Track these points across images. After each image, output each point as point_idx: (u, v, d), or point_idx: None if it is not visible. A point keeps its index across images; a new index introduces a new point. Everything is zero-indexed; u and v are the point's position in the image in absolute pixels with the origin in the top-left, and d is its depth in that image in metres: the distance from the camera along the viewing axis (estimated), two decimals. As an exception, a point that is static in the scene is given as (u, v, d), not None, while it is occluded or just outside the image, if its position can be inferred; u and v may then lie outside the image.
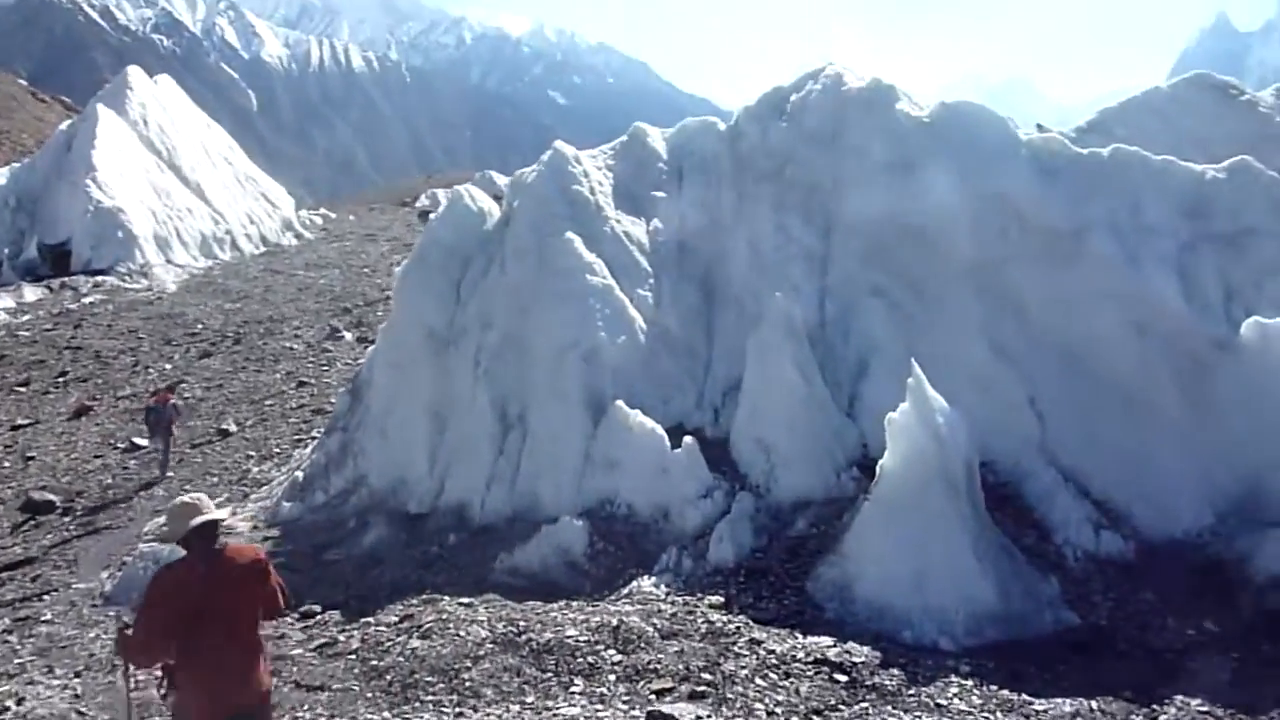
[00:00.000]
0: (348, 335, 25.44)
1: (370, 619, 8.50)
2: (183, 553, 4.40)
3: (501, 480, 10.86)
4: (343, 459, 13.05)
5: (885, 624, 7.54)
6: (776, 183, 12.30)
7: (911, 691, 6.38)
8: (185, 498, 4.50)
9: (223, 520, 4.55)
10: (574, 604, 8.41)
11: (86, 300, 33.69)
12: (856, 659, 6.82)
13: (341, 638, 8.00)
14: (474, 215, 13.46)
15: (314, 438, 17.01)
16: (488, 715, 6.19)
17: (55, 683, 7.91)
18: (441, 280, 12.86)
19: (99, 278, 36.13)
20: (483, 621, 7.69)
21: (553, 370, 11.04)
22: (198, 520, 4.33)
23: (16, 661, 8.80)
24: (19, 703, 7.62)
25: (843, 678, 6.57)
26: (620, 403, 10.51)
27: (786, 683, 6.49)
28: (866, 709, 6.16)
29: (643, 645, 7.05)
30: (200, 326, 28.30)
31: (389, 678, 6.97)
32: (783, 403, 10.21)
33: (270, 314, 28.99)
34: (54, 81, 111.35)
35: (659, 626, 7.42)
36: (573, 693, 6.41)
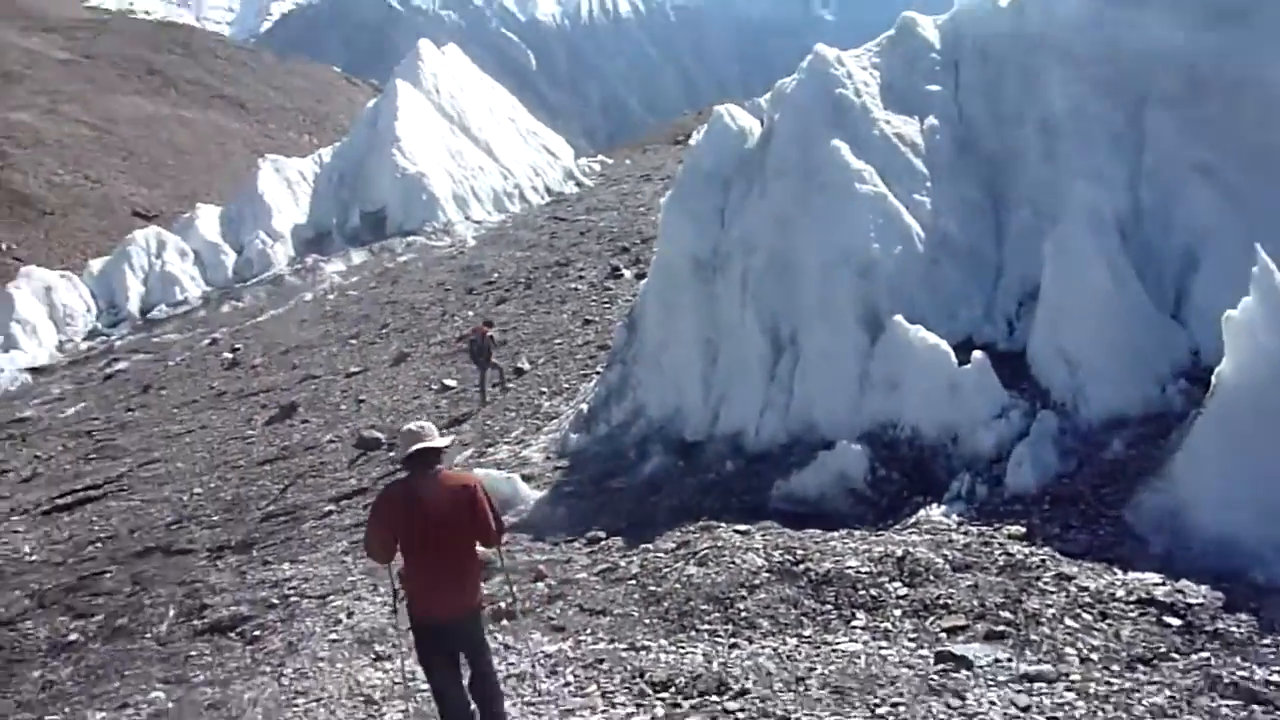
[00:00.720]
0: (627, 273, 26.04)
1: (649, 545, 8.57)
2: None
3: (775, 406, 10.52)
4: (622, 391, 13.31)
5: (1227, 561, 6.40)
6: (1071, 59, 10.71)
7: (1267, 642, 5.32)
8: (411, 425, 4.91)
9: (441, 448, 4.91)
10: (855, 533, 7.96)
11: (401, 259, 37.25)
12: (1192, 600, 5.83)
13: (622, 563, 8.12)
14: (734, 135, 13.01)
15: (598, 372, 17.65)
16: (763, 647, 5.96)
17: (378, 600, 8.69)
18: (704, 206, 12.59)
19: (410, 238, 39.74)
20: (759, 549, 7.46)
21: (823, 288, 10.46)
22: (416, 446, 4.78)
23: (349, 579, 9.81)
24: (349, 616, 8.46)
25: (1175, 621, 5.63)
26: (899, 318, 9.74)
27: (1103, 625, 5.67)
28: (1208, 659, 5.22)
29: (931, 578, 6.48)
30: (496, 275, 30.23)
31: (666, 604, 6.95)
32: (1091, 308, 8.96)
33: (556, 259, 30.34)
34: (363, 66, 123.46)
35: (950, 558, 6.79)
36: (854, 627, 6.01)
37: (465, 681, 5.01)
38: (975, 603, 6.04)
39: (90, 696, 8.12)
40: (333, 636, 7.92)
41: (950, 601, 6.12)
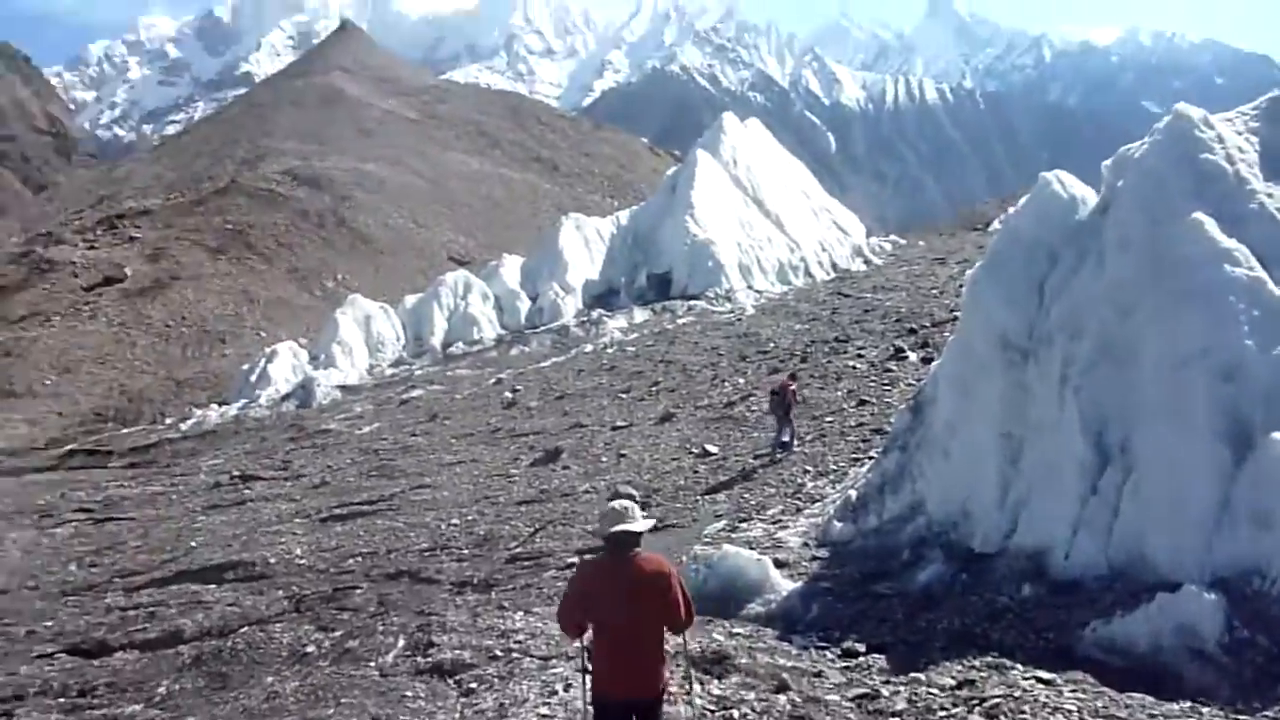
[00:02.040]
0: (912, 355, 24.24)
1: (920, 675, 7.04)
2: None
3: (1094, 525, 8.58)
4: (899, 480, 11.76)
5: None
6: None
7: None
8: (616, 504, 4.96)
9: (640, 532, 4.88)
10: (1204, 711, 5.99)
11: (681, 321, 37.55)
12: None
13: (885, 691, 6.68)
14: (1063, 203, 11.24)
15: (871, 457, 16.09)
16: None
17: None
18: (1020, 281, 10.90)
19: (691, 302, 40.19)
20: (1070, 711, 5.76)
21: (1171, 389, 8.46)
22: (617, 528, 4.80)
23: (575, 644, 9.02)
24: (565, 689, 7.67)
25: None
26: (1278, 435, 7.59)
27: None
28: None
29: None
30: (771, 345, 29.42)
31: (940, 762, 5.46)
32: None
33: (835, 334, 29.07)
34: (670, 140, 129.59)
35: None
36: None
37: None
38: None
39: (303, 720, 7.85)
40: (544, 711, 7.11)
41: None
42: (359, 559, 15.45)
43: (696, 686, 7.10)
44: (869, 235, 54.29)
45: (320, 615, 12.28)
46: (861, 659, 7.78)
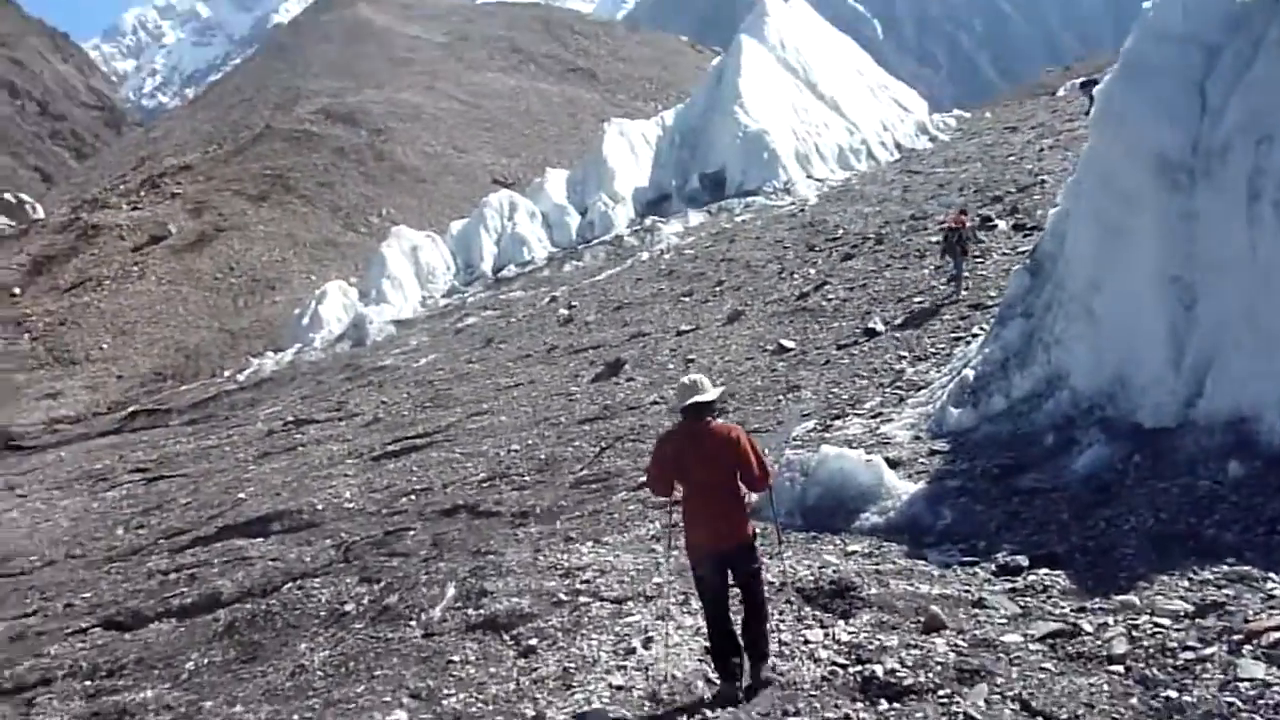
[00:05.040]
0: (1001, 223, 21.76)
1: (1131, 597, 5.14)
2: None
3: (1324, 378, 6.50)
4: (1027, 352, 9.71)
5: None
6: None
7: None
8: (686, 379, 5.44)
9: (713, 400, 5.29)
10: None
11: (739, 219, 35.28)
12: None
13: (1086, 626, 4.81)
14: (1220, -15, 8.80)
15: (975, 335, 14.01)
16: None
17: (686, 624, 6.15)
18: (1173, 87, 8.57)
19: (749, 199, 37.78)
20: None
21: None
22: (691, 399, 5.25)
23: (654, 580, 7.43)
24: (645, 644, 6.05)
25: None
26: None
27: None
28: None
29: None
30: (841, 232, 27.12)
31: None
32: None
33: (911, 213, 26.60)
34: (710, 36, 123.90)
35: None
36: None
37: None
38: None
39: (327, 704, 6.36)
40: (617, 680, 5.44)
41: None
42: (412, 497, 14.05)
43: (819, 630, 5.40)
44: (931, 111, 50.65)
45: (367, 564, 10.89)
46: (1031, 578, 5.89)
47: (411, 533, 12.12)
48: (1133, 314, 8.30)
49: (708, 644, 5.31)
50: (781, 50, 46.38)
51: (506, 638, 7.08)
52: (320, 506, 14.32)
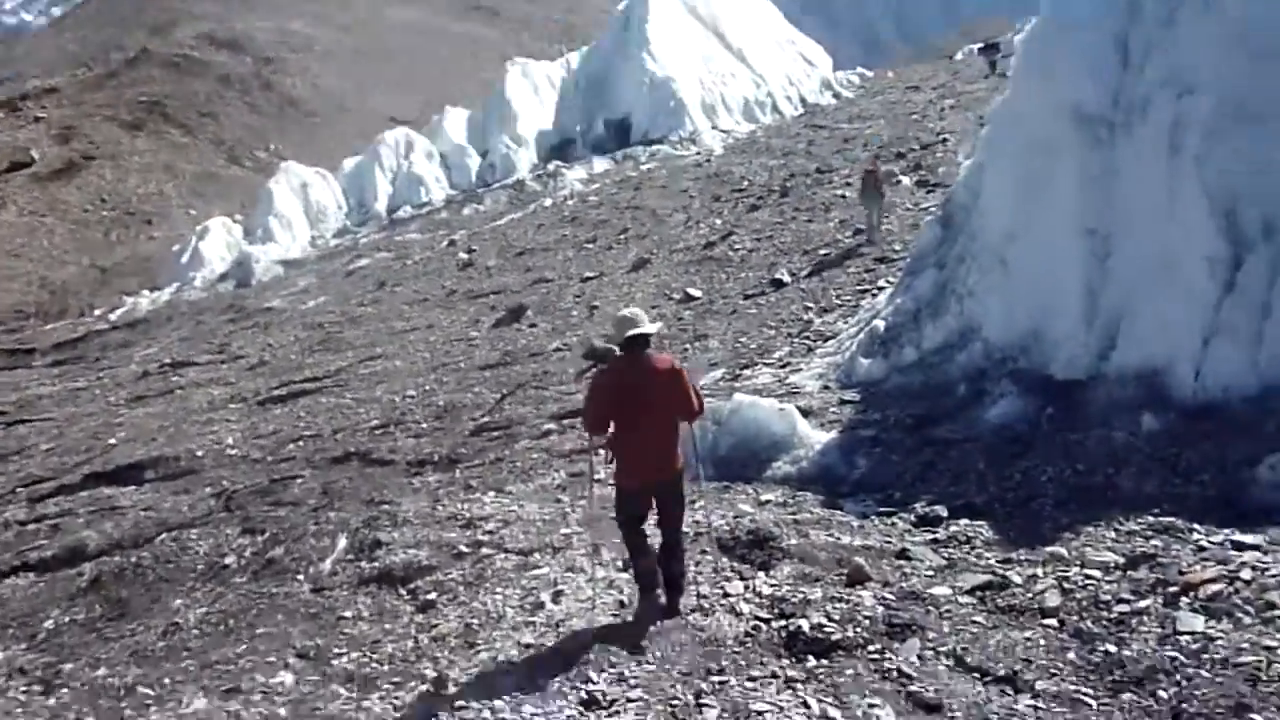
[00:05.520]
0: (905, 179, 21.88)
1: (1058, 549, 5.03)
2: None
3: (1234, 331, 6.53)
4: (939, 303, 9.65)
5: None
6: None
7: None
8: (625, 311, 5.36)
9: (652, 333, 5.22)
10: None
11: (645, 167, 34.76)
12: None
13: (1015, 578, 4.67)
14: (1143, -62, 8.73)
15: (881, 287, 14.02)
16: None
17: (599, 577, 5.82)
18: (1095, 39, 8.49)
19: (655, 147, 37.27)
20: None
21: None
22: (631, 331, 5.14)
23: (561, 531, 7.07)
24: (553, 599, 5.68)
25: None
26: None
27: None
28: None
29: None
30: (746, 183, 26.97)
31: (1155, 691, 3.45)
32: None
33: (816, 166, 26.60)
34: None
35: None
36: None
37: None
38: None
39: (203, 666, 5.80)
40: (526, 637, 5.07)
41: None
42: (300, 443, 13.30)
43: (739, 583, 5.17)
44: (836, 68, 50.89)
45: (251, 514, 10.18)
46: (953, 528, 5.77)
47: (300, 481, 11.43)
48: (1048, 266, 8.26)
49: (629, 578, 5.30)
50: (690, -2, 45.69)
51: (403, 592, 6.63)
52: (200, 453, 13.43)
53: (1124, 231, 7.68)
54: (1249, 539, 4.48)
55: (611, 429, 5.21)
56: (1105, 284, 7.70)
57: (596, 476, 6.10)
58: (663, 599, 5.15)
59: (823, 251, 17.63)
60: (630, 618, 5.10)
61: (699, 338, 14.38)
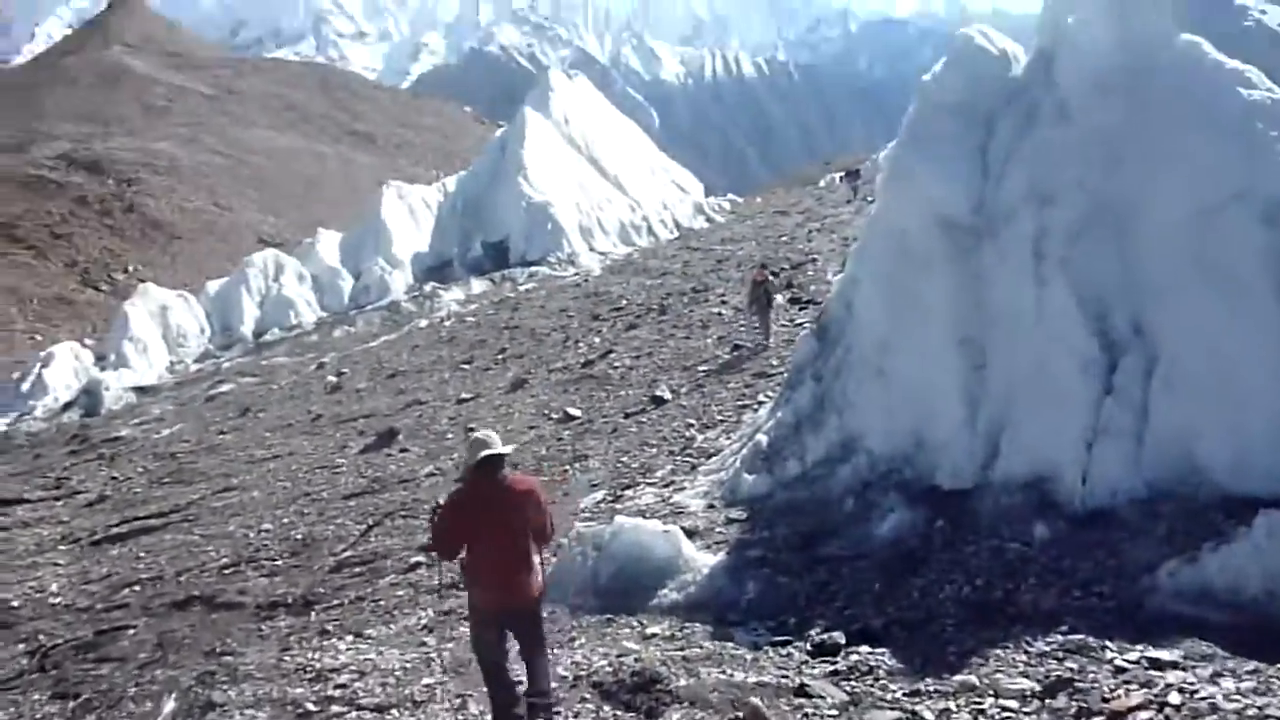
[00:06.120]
0: (779, 297, 22.26)
1: (968, 676, 4.62)
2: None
3: (1117, 434, 6.48)
4: (820, 417, 9.46)
5: None
6: None
7: None
8: (478, 434, 5.24)
9: (506, 454, 5.14)
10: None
11: (523, 288, 34.70)
12: None
13: (928, 715, 4.23)
14: (993, 59, 9.18)
15: (761, 402, 13.89)
16: None
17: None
18: (954, 152, 8.74)
19: (533, 268, 37.39)
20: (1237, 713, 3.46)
21: (1196, 246, 6.44)
22: (484, 453, 5.07)
23: (423, 681, 6.27)
24: None
25: None
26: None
27: None
28: None
29: None
30: (625, 302, 27.12)
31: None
32: None
33: (692, 285, 27.04)
34: (495, 116, 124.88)
35: None
36: None
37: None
38: None
39: None
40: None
41: None
42: (136, 588, 11.95)
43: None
44: (708, 194, 52.96)
45: (67, 673, 8.88)
46: (854, 657, 5.29)
47: (131, 632, 10.15)
48: (925, 375, 8.20)
49: None
50: (565, 125, 46.92)
51: (235, 765, 5.68)
52: (16, 603, 11.87)
53: (998, 338, 7.70)
54: (1165, 655, 4.21)
55: (465, 552, 5.06)
56: (984, 391, 7.65)
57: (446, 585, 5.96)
58: None
59: (702, 368, 17.54)
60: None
61: (579, 458, 13.84)
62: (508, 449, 5.22)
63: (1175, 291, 6.47)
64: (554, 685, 5.22)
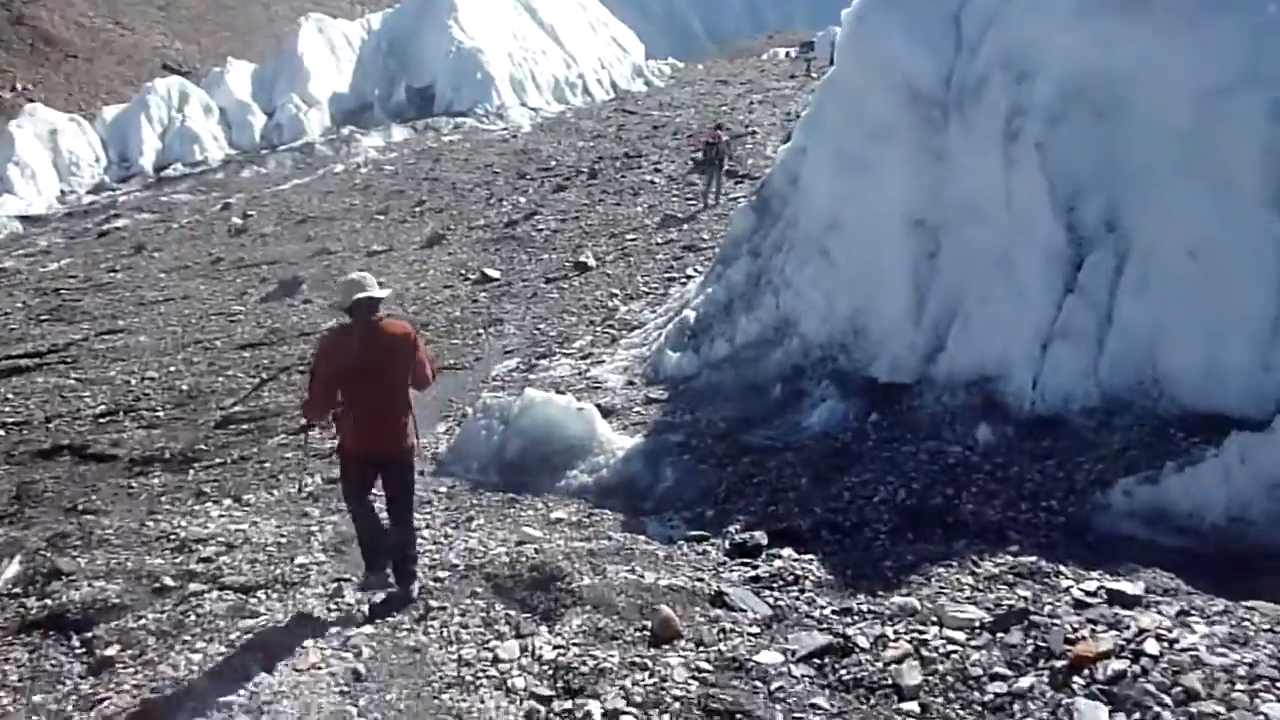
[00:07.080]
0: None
1: (908, 598, 4.14)
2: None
3: (1076, 336, 5.99)
4: (754, 296, 8.84)
5: None
6: None
7: None
8: (353, 274, 4.94)
9: (382, 298, 4.85)
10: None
11: (447, 139, 32.88)
12: None
13: (861, 641, 3.74)
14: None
15: (690, 276, 13.24)
16: None
17: (331, 621, 4.46)
18: (926, 12, 7.88)
19: (459, 119, 35.39)
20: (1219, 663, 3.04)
21: (1187, 138, 5.82)
22: (359, 295, 4.75)
23: (298, 560, 5.63)
24: (300, 660, 4.20)
25: None
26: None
27: None
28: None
29: None
30: (554, 162, 25.79)
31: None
32: None
33: (625, 150, 25.82)
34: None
35: None
36: None
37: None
38: None
39: None
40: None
41: None
42: (1, 433, 10.92)
43: (514, 643, 3.97)
44: (648, 57, 50.61)
45: (-93, 525, 7.97)
46: (777, 563, 4.80)
47: (-14, 481, 9.22)
48: (872, 257, 7.58)
49: (371, 632, 4.50)
50: (503, -33, 43.88)
51: (76, 643, 4.99)
52: None
53: (955, 223, 7.08)
54: (1127, 587, 3.79)
55: (339, 398, 4.78)
56: (934, 280, 7.08)
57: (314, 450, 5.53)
58: (392, 579, 4.85)
59: (630, 237, 16.72)
60: (363, 700, 3.78)
61: (494, 322, 13.06)
62: (384, 292, 4.89)
63: (1158, 184, 5.89)
64: (418, 552, 5.04)
